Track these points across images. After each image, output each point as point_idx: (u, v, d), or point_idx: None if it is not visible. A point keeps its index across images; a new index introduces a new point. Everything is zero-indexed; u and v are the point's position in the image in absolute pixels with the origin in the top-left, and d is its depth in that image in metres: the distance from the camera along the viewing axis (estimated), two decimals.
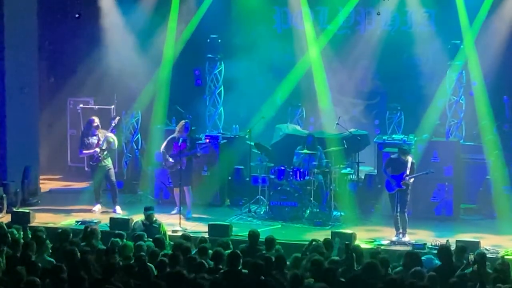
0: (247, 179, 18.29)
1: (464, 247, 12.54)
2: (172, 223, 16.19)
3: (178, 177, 16.70)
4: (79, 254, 11.49)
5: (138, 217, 15.04)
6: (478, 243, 14.16)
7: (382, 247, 14.44)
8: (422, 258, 12.35)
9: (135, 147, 19.59)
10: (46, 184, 19.58)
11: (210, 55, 19.77)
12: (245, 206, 17.73)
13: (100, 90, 20.30)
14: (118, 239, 12.57)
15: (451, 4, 18.42)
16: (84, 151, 17.38)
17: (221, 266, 11.27)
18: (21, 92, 18.19)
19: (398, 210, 15.42)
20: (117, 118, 17.93)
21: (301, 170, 17.01)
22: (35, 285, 10.02)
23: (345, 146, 17.48)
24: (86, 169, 19.87)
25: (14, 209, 16.78)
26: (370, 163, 18.61)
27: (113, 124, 17.49)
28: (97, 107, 20.11)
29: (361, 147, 17.93)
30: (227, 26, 20.02)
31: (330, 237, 13.72)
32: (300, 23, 19.67)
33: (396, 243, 15.13)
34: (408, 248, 14.26)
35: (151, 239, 12.94)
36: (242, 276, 10.83)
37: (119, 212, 17.13)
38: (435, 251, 12.81)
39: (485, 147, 17.88)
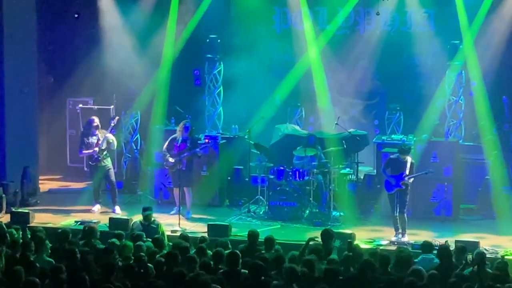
0: (247, 179, 18.29)
1: (463, 247, 12.54)
2: (171, 223, 16.20)
3: (178, 177, 16.70)
4: (79, 254, 11.49)
5: (137, 217, 15.03)
6: (477, 243, 14.17)
7: (382, 247, 14.43)
8: (419, 257, 12.39)
9: (134, 147, 19.59)
10: (45, 184, 19.58)
11: (209, 55, 19.75)
12: (244, 206, 17.73)
13: (100, 90, 20.30)
14: (115, 239, 12.55)
15: (450, 4, 18.42)
16: (84, 151, 17.38)
17: (220, 266, 11.27)
18: (21, 92, 18.20)
19: (398, 210, 15.43)
20: (117, 118, 17.93)
21: (300, 170, 17.01)
22: (34, 286, 10.01)
23: (345, 146, 17.49)
24: (85, 169, 19.87)
25: (13, 209, 16.78)
26: (370, 163, 18.61)
27: (112, 124, 17.49)
28: (96, 107, 20.10)
29: (360, 147, 17.94)
30: (226, 26, 20.02)
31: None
32: (300, 23, 19.67)
33: (396, 243, 15.13)
34: (408, 248, 14.26)
35: (150, 239, 12.94)
36: (242, 276, 10.83)
37: (118, 212, 17.14)
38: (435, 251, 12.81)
39: (485, 147, 17.88)
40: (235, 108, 19.79)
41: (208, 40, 19.67)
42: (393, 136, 18.22)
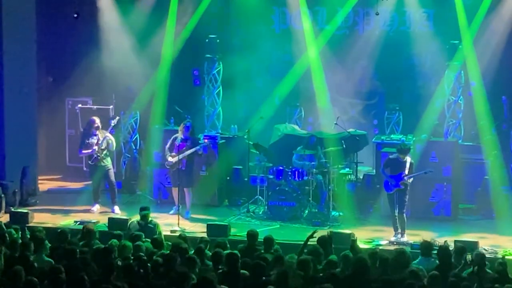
0: (246, 179, 18.29)
1: (462, 248, 12.54)
2: (170, 223, 16.20)
3: (178, 177, 16.70)
4: (78, 253, 11.50)
5: (136, 217, 15.02)
6: (476, 243, 14.18)
7: (381, 247, 14.43)
8: (418, 258, 12.38)
9: (134, 147, 19.59)
10: (45, 184, 19.59)
11: (208, 55, 19.75)
12: (243, 206, 17.73)
13: (99, 90, 20.30)
14: (115, 240, 12.55)
15: (449, 4, 18.43)
16: (84, 151, 17.38)
17: (220, 266, 11.28)
18: (20, 92, 18.19)
19: (397, 210, 15.43)
20: (117, 118, 17.93)
21: (300, 170, 17.02)
22: (33, 286, 10.01)
23: (344, 146, 17.49)
24: (85, 169, 19.88)
25: (13, 209, 16.79)
26: (369, 163, 18.62)
27: (112, 124, 17.50)
28: (95, 107, 20.11)
29: (359, 147, 17.94)
30: (225, 26, 20.04)
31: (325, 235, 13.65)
32: (299, 23, 19.66)
33: (395, 243, 15.13)
34: (407, 248, 14.26)
35: (148, 240, 12.94)
36: (241, 276, 10.83)
37: (118, 212, 17.13)
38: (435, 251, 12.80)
39: (484, 147, 17.89)
40: (234, 108, 19.80)
41: (207, 40, 19.67)
42: (392, 136, 18.22)
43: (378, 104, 20.20)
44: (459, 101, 18.61)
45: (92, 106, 20.27)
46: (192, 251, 12.09)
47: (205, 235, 14.61)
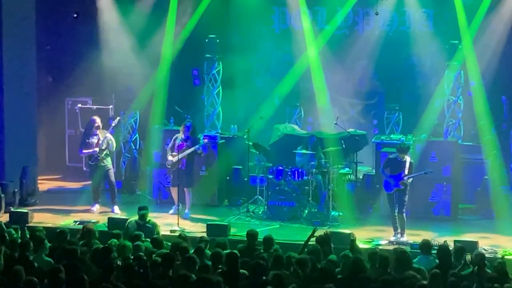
0: (245, 179, 18.29)
1: (461, 247, 12.54)
2: (170, 223, 16.21)
3: (178, 176, 16.70)
4: (79, 253, 11.50)
5: (136, 217, 15.01)
6: (476, 243, 14.18)
7: (381, 247, 14.43)
8: (418, 257, 12.39)
9: (133, 147, 19.59)
10: (44, 184, 19.58)
11: (208, 55, 19.75)
12: (243, 206, 17.73)
13: (98, 90, 20.30)
14: (114, 239, 12.56)
15: (449, 4, 18.44)
16: (84, 151, 17.38)
17: (220, 266, 11.27)
18: (20, 92, 18.20)
19: (397, 210, 15.43)
20: (117, 118, 17.95)
21: (299, 170, 17.02)
22: (33, 285, 10.01)
23: (344, 146, 17.49)
24: (84, 169, 19.89)
25: (12, 209, 16.79)
26: (368, 163, 18.62)
27: (113, 125, 17.50)
28: (95, 107, 20.11)
29: (359, 147, 17.93)
30: (225, 26, 20.03)
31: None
32: (299, 23, 19.66)
33: (394, 243, 15.13)
34: (407, 248, 14.26)
35: (148, 239, 12.95)
36: (241, 276, 10.83)
37: (117, 212, 17.14)
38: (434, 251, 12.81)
39: (484, 147, 17.90)
40: (234, 108, 19.80)
41: (207, 40, 19.67)
42: (392, 136, 18.23)
43: (378, 104, 20.21)
44: (459, 101, 18.61)
45: (92, 106, 20.27)
46: (192, 251, 12.09)
47: (204, 235, 14.61)
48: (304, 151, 17.27)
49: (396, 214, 15.43)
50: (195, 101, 20.19)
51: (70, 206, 17.66)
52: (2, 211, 16.95)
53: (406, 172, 15.36)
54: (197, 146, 16.85)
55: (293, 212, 16.89)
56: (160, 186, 18.20)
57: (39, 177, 19.10)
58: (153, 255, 11.75)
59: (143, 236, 13.15)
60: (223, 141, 18.45)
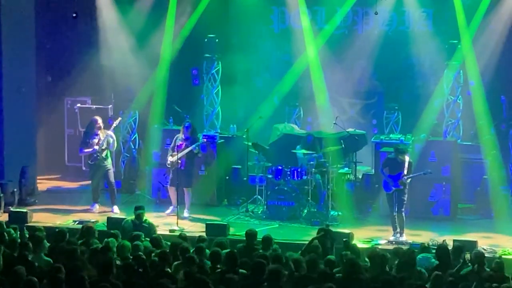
0: (245, 178, 18.28)
1: (459, 247, 12.56)
2: (169, 223, 16.21)
3: (177, 176, 16.70)
4: (78, 253, 11.50)
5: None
6: (475, 242, 14.19)
7: (380, 247, 14.43)
8: (418, 257, 12.38)
9: (133, 147, 19.58)
10: (44, 184, 19.57)
11: (207, 55, 19.75)
12: (242, 205, 17.73)
13: (98, 89, 20.28)
14: (113, 239, 12.56)
15: (448, 4, 18.43)
16: (84, 150, 17.38)
17: (219, 266, 11.28)
18: (19, 92, 18.19)
19: (396, 209, 15.44)
20: (119, 119, 17.94)
21: (299, 170, 17.02)
22: (33, 285, 10.00)
23: (343, 145, 17.48)
24: (84, 168, 19.88)
25: (12, 209, 16.78)
26: (368, 163, 18.61)
27: (114, 125, 17.50)
28: (94, 106, 20.10)
29: (358, 147, 17.93)
30: (224, 26, 20.02)
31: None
32: (298, 23, 19.65)
33: (394, 242, 15.13)
34: (406, 247, 14.27)
35: (148, 239, 12.95)
36: (240, 275, 10.83)
37: (117, 212, 17.13)
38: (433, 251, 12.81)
39: (483, 147, 17.90)
40: (233, 107, 19.80)
41: (206, 40, 19.67)
42: (391, 135, 18.23)
43: (377, 103, 20.20)
44: (458, 100, 18.61)
45: (91, 106, 20.26)
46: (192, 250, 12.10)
47: (204, 234, 14.61)
48: (302, 151, 17.25)
49: (395, 213, 15.44)
50: (194, 101, 20.18)
51: (69, 205, 17.66)
52: (1, 210, 16.95)
53: (405, 172, 15.36)
54: (192, 146, 16.83)
55: (292, 211, 16.88)
56: (159, 186, 18.19)
57: (38, 177, 19.09)
58: (152, 255, 11.75)
59: (143, 236, 13.16)
60: (222, 140, 18.45)
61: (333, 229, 14.95)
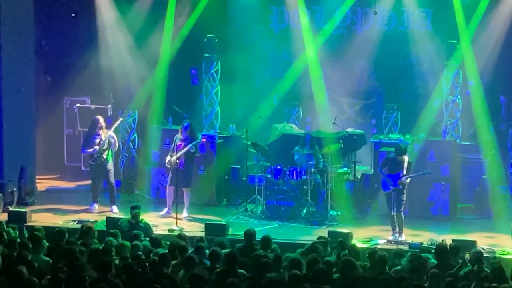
0: (244, 178, 18.28)
1: (456, 246, 12.56)
2: (168, 222, 16.21)
3: (176, 176, 16.71)
4: (77, 252, 11.50)
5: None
6: (474, 242, 14.19)
7: (379, 247, 14.44)
8: None
9: (132, 147, 19.58)
10: (43, 184, 19.57)
11: (206, 55, 19.74)
12: (241, 205, 17.73)
13: (97, 89, 20.27)
14: (112, 238, 12.56)
15: (447, 4, 18.44)
16: (86, 150, 17.38)
17: (218, 266, 11.28)
18: (18, 92, 18.20)
19: (395, 209, 15.44)
20: (120, 119, 17.96)
21: (298, 170, 17.02)
22: (32, 285, 10.01)
23: (342, 145, 17.48)
24: (83, 168, 19.89)
25: (11, 209, 16.78)
26: (367, 162, 18.62)
27: (115, 125, 17.51)
28: (93, 106, 20.09)
29: (357, 147, 17.93)
30: (224, 26, 20.04)
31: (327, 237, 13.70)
32: (297, 23, 19.65)
33: (393, 242, 15.13)
34: (405, 247, 14.28)
35: (147, 239, 12.96)
36: (239, 275, 10.84)
37: (116, 211, 17.13)
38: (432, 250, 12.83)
39: (482, 147, 17.92)
40: (233, 107, 19.80)
41: (205, 40, 19.67)
42: (390, 135, 18.22)
43: (376, 103, 20.20)
44: (457, 100, 18.61)
45: (90, 106, 20.26)
46: (191, 250, 12.10)
47: (203, 234, 14.61)
48: (300, 151, 17.24)
49: (394, 213, 15.44)
50: (194, 101, 20.19)
51: (69, 205, 17.66)
52: (1, 210, 16.95)
53: (405, 172, 15.37)
54: (189, 146, 16.82)
55: (291, 211, 16.88)
56: (158, 186, 18.20)
57: (37, 177, 19.09)
58: (151, 254, 11.76)
59: (142, 235, 13.17)
60: (221, 140, 18.45)
61: (332, 229, 15.02)
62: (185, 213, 16.95)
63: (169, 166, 16.98)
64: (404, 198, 15.52)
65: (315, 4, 19.77)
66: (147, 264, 11.15)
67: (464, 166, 17.89)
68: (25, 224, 15.55)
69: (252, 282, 10.56)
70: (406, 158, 15.46)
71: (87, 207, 17.41)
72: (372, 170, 17.96)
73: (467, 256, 12.11)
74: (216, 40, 19.65)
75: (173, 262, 11.57)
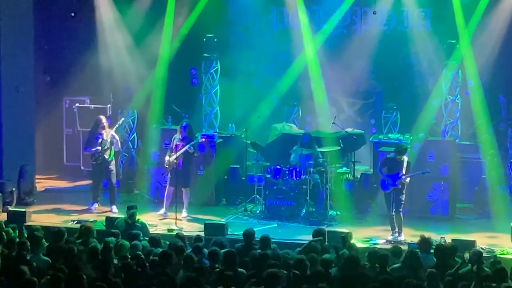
0: (243, 178, 18.29)
1: (453, 246, 12.58)
2: (168, 222, 16.21)
3: (175, 177, 16.70)
4: (76, 252, 11.50)
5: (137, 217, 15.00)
6: (473, 242, 14.19)
7: (378, 246, 14.44)
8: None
9: (131, 146, 19.58)
10: (42, 183, 19.56)
11: (206, 54, 19.74)
12: (241, 205, 17.74)
13: (96, 89, 20.26)
14: (112, 238, 12.57)
15: (447, 3, 18.43)
16: (90, 149, 17.37)
17: (217, 265, 11.28)
18: (17, 91, 18.18)
19: (394, 209, 15.45)
20: (122, 119, 17.95)
21: (297, 169, 17.02)
22: (32, 285, 10.01)
23: (341, 145, 17.48)
24: (82, 168, 19.88)
25: (10, 208, 16.78)
26: (366, 162, 18.62)
27: (116, 125, 17.52)
28: (93, 106, 20.08)
29: (357, 147, 17.93)
30: (223, 25, 20.04)
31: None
32: (296, 23, 19.64)
33: (392, 242, 15.13)
34: (405, 247, 14.28)
35: (147, 239, 12.96)
36: (239, 275, 10.84)
37: (116, 211, 17.12)
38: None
39: (481, 147, 17.92)
40: (232, 107, 19.80)
41: (205, 39, 19.66)
42: (389, 135, 18.22)
43: (376, 103, 20.20)
44: (457, 100, 18.61)
45: (89, 105, 20.24)
46: (189, 250, 12.10)
47: (202, 234, 14.61)
48: (299, 151, 17.24)
49: (393, 213, 15.45)
50: (193, 100, 20.19)
51: (68, 205, 17.66)
52: (0, 210, 16.94)
53: (404, 171, 15.37)
54: (187, 146, 16.82)
55: (291, 211, 16.89)
56: (157, 185, 18.20)
57: (36, 176, 19.08)
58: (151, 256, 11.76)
59: (141, 235, 13.17)
60: (221, 140, 18.45)
61: (332, 229, 15.02)
62: (184, 213, 16.95)
63: (167, 166, 16.99)
64: (403, 198, 15.53)
65: (314, 4, 19.76)
66: (146, 264, 11.15)
67: (463, 166, 17.89)
68: (25, 224, 15.54)
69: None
70: (405, 158, 15.47)
71: (86, 206, 17.41)
72: (372, 170, 17.96)
73: (466, 255, 12.11)
74: (216, 39, 19.64)
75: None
